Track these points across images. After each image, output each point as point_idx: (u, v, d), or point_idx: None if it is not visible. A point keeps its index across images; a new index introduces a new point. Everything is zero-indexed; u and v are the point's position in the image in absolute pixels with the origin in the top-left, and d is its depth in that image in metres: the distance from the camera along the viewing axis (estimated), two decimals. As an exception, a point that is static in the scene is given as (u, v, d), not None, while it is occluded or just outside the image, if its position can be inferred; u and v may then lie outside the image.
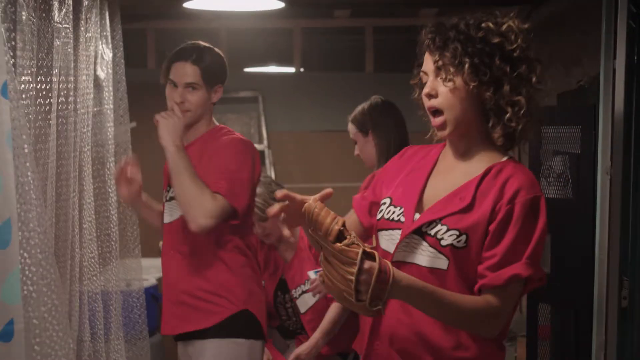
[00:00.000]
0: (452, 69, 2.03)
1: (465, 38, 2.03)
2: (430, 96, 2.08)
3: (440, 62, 2.05)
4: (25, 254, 2.31)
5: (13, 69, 2.49)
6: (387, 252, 2.13)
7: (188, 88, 3.00)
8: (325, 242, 1.85)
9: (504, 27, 2.05)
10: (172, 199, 3.04)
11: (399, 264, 2.07)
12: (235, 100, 6.00)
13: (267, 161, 5.90)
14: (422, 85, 2.15)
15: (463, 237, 2.02)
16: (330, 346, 3.78)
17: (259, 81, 6.10)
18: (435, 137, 2.17)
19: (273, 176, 5.87)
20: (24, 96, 2.62)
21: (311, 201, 1.91)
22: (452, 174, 2.13)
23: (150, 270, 4.49)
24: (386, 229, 2.15)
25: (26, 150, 2.41)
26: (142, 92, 6.11)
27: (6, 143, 2.19)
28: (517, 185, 2.02)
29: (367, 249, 1.83)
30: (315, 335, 3.71)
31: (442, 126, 2.09)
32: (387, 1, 5.41)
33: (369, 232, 2.28)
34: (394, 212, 2.14)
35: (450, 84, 2.03)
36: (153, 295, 5.10)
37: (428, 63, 2.09)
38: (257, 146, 5.89)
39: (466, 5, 5.60)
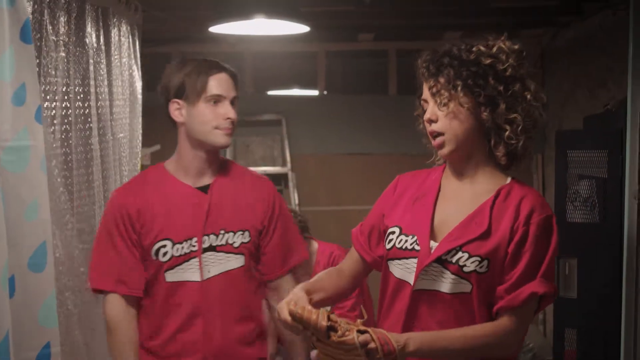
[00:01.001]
0: (446, 93, 2.08)
1: (457, 63, 2.09)
2: (431, 121, 2.12)
3: (434, 89, 2.10)
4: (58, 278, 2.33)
5: (43, 95, 2.52)
6: (402, 281, 2.14)
7: (230, 104, 2.58)
8: (318, 338, 1.89)
9: (495, 48, 2.10)
10: (218, 248, 2.55)
11: (422, 292, 2.09)
12: (259, 123, 6.03)
13: (290, 184, 5.91)
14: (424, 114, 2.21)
15: (485, 263, 2.05)
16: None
17: (283, 104, 6.13)
18: (436, 161, 2.24)
19: (296, 199, 5.88)
20: (57, 122, 2.66)
21: (289, 307, 1.95)
22: (459, 199, 2.15)
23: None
24: (399, 258, 2.16)
25: (56, 173, 2.44)
26: (166, 115, 6.17)
27: (40, 168, 2.21)
28: (530, 205, 2.06)
29: (360, 327, 1.89)
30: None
31: (441, 145, 2.12)
32: (411, 25, 5.44)
33: (372, 267, 2.29)
34: (406, 241, 2.15)
35: (445, 108, 2.08)
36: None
37: (426, 91, 2.14)
38: (281, 169, 5.92)
39: (489, 28, 5.61)
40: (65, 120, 2.76)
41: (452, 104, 2.08)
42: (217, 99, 2.53)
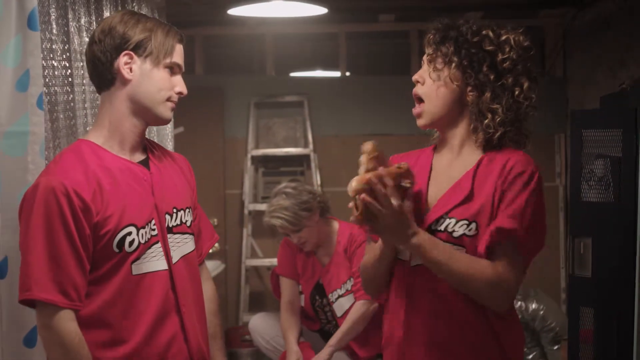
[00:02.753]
0: (440, 64, 2.15)
1: (462, 40, 2.15)
2: (417, 82, 2.21)
3: (433, 56, 2.18)
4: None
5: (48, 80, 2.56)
6: (403, 260, 2.20)
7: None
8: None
9: (502, 38, 2.15)
10: (174, 229, 2.28)
11: (419, 266, 2.15)
12: (281, 105, 6.06)
13: (312, 165, 5.93)
14: None
15: (473, 225, 2.10)
16: (366, 349, 3.83)
17: (305, 85, 6.15)
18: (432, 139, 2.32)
19: (318, 180, 5.91)
20: (74, 106, 2.70)
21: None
22: (450, 173, 2.20)
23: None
24: None
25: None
26: (190, 97, 6.21)
27: (39, 153, 2.26)
28: (512, 162, 2.11)
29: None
30: (330, 344, 3.78)
31: (419, 115, 2.21)
32: (431, 5, 5.43)
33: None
34: None
35: (435, 76, 2.16)
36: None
37: (426, 54, 2.22)
38: (303, 150, 5.94)
39: (510, 8, 5.60)
40: (85, 105, 2.80)
41: (444, 75, 2.15)
42: (174, 69, 2.27)
